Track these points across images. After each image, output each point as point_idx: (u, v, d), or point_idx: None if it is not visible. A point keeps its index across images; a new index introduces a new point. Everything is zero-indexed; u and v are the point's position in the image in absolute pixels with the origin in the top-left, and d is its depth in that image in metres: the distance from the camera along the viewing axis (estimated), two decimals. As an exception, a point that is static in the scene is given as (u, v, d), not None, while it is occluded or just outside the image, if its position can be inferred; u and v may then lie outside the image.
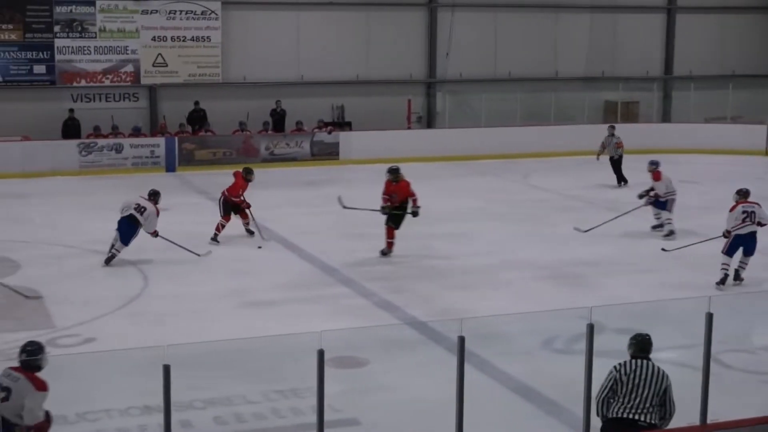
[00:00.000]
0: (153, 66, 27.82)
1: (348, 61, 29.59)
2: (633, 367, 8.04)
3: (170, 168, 26.37)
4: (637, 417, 7.94)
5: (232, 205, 18.32)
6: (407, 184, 17.24)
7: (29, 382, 7.91)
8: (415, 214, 17.12)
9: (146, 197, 16.75)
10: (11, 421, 7.94)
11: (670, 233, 18.62)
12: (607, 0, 32.23)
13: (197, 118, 27.90)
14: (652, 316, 12.95)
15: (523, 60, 31.15)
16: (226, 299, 14.49)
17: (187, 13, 27.87)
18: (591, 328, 7.78)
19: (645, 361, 8.11)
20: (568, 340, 12.41)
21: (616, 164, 24.88)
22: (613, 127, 25.39)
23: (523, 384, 11.25)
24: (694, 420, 8.09)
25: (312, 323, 12.40)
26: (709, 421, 8.02)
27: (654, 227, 19.14)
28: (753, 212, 15.23)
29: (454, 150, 28.14)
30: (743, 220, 15.19)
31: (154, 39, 27.76)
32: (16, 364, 7.98)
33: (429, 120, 30.69)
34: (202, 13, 27.95)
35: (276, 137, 27.75)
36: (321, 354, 7.12)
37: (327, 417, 7.40)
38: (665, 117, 32.88)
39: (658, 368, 8.10)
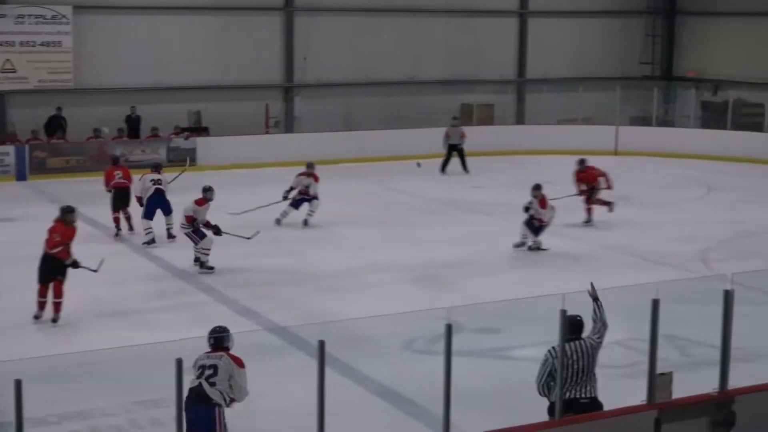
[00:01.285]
0: (1, 72, 27.01)
1: (204, 66, 29.28)
2: (572, 349, 8.45)
3: (21, 177, 25.63)
4: (591, 395, 8.54)
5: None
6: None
7: (231, 360, 8.68)
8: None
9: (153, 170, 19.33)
10: (213, 401, 8.47)
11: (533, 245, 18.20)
12: (463, 4, 32.65)
13: (57, 125, 27.17)
14: (510, 314, 13.21)
15: (382, 64, 31.34)
16: (83, 309, 14.15)
17: (36, 17, 27.12)
18: (449, 328, 7.85)
19: (580, 342, 8.55)
20: (428, 341, 12.53)
21: (461, 153, 26.65)
22: (456, 118, 27.61)
23: (384, 386, 11.31)
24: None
25: (172, 332, 12.23)
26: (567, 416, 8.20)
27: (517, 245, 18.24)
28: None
29: (314, 154, 27.92)
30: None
31: (1, 44, 26.94)
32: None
33: (287, 124, 30.60)
34: (53, 17, 27.24)
35: (131, 144, 27.25)
36: (179, 363, 7.01)
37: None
38: (519, 119, 33.52)
39: (589, 343, 8.58)
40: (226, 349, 8.83)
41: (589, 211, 20.40)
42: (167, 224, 18.70)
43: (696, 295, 13.87)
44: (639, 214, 21.70)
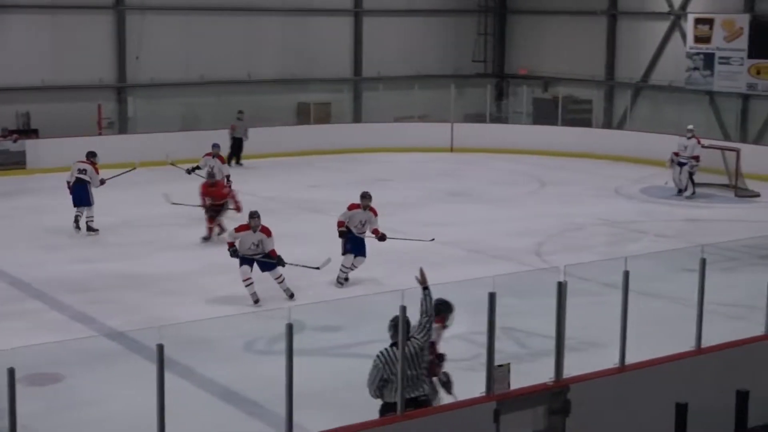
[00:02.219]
0: None
1: (33, 66, 28.37)
2: (390, 353, 8.46)
3: None
4: (415, 394, 8.50)
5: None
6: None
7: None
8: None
9: (84, 160, 19.20)
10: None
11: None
12: (298, 3, 32.59)
13: None
14: (352, 312, 13.27)
15: (218, 63, 31.00)
16: None
17: None
18: (290, 328, 7.83)
19: (408, 342, 8.51)
20: (269, 341, 12.48)
21: (240, 145, 27.85)
22: (241, 112, 28.44)
23: (226, 388, 11.22)
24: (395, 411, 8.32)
25: (2, 341, 11.83)
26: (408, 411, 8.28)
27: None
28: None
29: (150, 155, 27.59)
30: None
31: None
32: None
33: (121, 125, 29.96)
34: None
35: (-44, 147, 26.24)
36: (11, 372, 6.78)
37: (21, 438, 7.06)
38: (356, 117, 33.69)
39: (417, 343, 8.58)
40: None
41: (210, 229, 18.93)
42: (87, 216, 18.83)
43: (531, 288, 14.17)
44: (475, 210, 22.12)
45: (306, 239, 18.89)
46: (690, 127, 24.92)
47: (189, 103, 29.97)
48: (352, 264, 15.97)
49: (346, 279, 15.91)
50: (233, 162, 27.11)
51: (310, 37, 32.76)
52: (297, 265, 15.03)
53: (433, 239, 16.35)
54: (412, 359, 8.51)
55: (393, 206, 22.03)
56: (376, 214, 16.21)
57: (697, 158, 24.15)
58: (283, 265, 14.78)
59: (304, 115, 31.89)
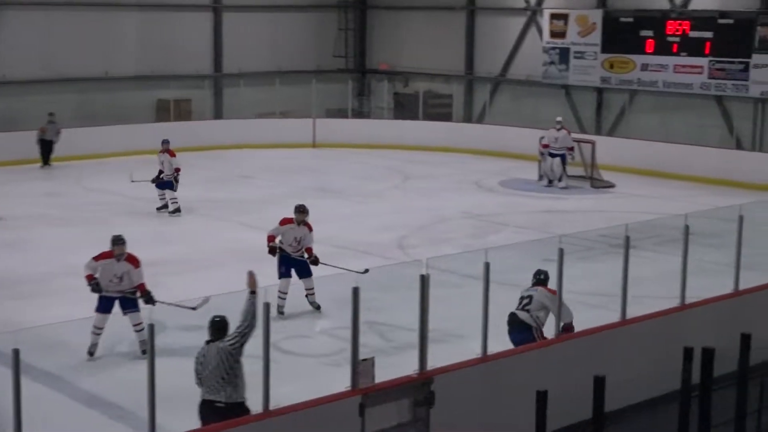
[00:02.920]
0: None
1: None
2: (204, 352, 8.54)
3: None
4: (212, 398, 8.47)
5: None
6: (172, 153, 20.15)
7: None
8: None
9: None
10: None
11: (176, 210, 20.60)
12: (156, -1, 32.17)
13: None
14: (214, 310, 13.11)
15: (74, 59, 30.27)
16: None
17: None
18: (152, 328, 7.74)
19: (214, 344, 8.56)
20: (131, 343, 12.29)
21: (50, 148, 27.14)
22: (52, 114, 27.46)
23: (87, 392, 11.00)
24: (258, 408, 8.29)
25: None
26: (271, 408, 8.24)
27: (159, 208, 20.85)
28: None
29: (5, 155, 26.88)
30: None
31: None
32: None
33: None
34: None
35: None
36: None
37: None
38: (218, 114, 33.37)
39: (219, 347, 8.54)
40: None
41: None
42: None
43: (395, 282, 14.32)
44: (338, 205, 22.17)
45: (168, 240, 18.67)
46: (559, 119, 25.56)
47: (46, 100, 29.18)
48: (305, 289, 14.12)
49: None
50: (41, 164, 26.87)
51: (170, 33, 32.29)
52: (171, 304, 12.11)
53: (366, 270, 14.23)
54: (218, 362, 8.51)
55: (256, 203, 22.00)
56: (311, 230, 14.26)
57: (571, 149, 24.78)
58: (153, 304, 12.10)
59: (163, 112, 31.43)
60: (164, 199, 20.87)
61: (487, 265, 9.56)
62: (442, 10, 33.98)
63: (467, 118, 33.24)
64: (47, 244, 18.34)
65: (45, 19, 29.94)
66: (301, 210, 14.20)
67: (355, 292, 8.56)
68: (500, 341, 10.04)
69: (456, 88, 33.44)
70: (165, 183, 20.83)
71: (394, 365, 9.51)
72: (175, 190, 20.75)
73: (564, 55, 30.33)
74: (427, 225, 20.15)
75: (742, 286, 12.45)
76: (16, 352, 7.06)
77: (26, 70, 29.45)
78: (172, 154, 20.98)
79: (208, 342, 8.62)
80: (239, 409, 8.50)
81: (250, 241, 18.23)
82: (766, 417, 9.04)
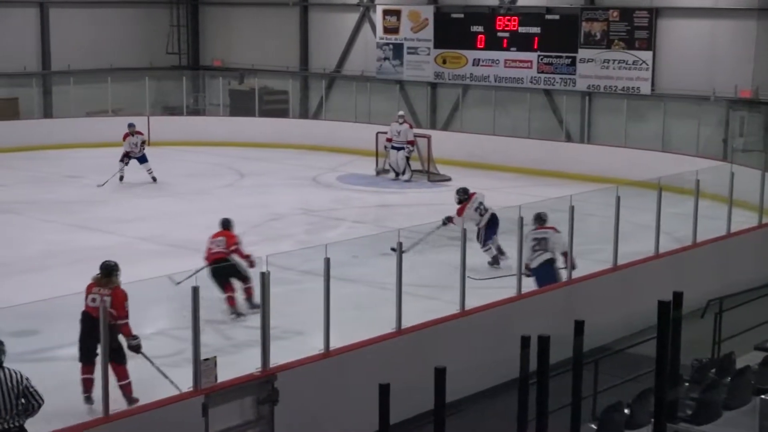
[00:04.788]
0: None
1: None
2: None
3: None
4: (7, 426, 7.86)
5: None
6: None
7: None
8: None
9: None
10: None
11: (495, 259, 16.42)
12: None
13: None
14: (48, 314, 12.78)
15: None
16: None
17: None
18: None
19: (0, 370, 7.91)
20: None
21: None
22: None
23: None
24: (98, 413, 8.12)
25: None
26: (111, 412, 8.09)
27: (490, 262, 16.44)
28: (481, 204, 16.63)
29: None
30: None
31: None
32: None
33: None
34: None
35: None
36: None
37: None
38: (47, 112, 32.44)
39: (11, 371, 7.94)
40: None
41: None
42: None
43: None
44: (172, 204, 21.89)
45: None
46: (401, 113, 25.85)
47: None
48: None
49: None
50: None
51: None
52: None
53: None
54: (8, 387, 7.88)
55: (83, 203, 21.51)
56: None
57: (411, 143, 25.05)
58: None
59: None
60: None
61: (327, 261, 9.59)
62: (275, 6, 33.87)
63: (303, 114, 33.24)
64: None
65: None
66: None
67: (195, 291, 8.48)
68: (343, 336, 10.08)
69: (291, 84, 33.37)
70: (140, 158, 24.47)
71: (236, 364, 9.46)
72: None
73: (398, 50, 30.66)
74: (264, 222, 20.03)
75: (574, 275, 12.86)
76: None
77: None
78: (141, 134, 24.95)
79: None
80: None
81: (75, 242, 17.83)
82: (600, 400, 9.34)
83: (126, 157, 24.36)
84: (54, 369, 11.37)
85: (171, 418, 8.35)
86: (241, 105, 32.84)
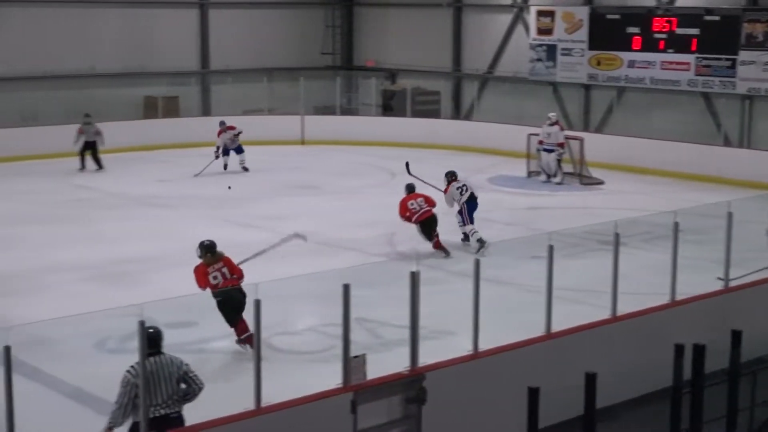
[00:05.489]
0: None
1: None
2: (149, 367, 8.11)
3: None
4: (167, 412, 8.17)
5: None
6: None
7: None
8: None
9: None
10: None
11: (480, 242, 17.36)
12: (141, -5, 32.08)
13: None
14: (203, 307, 13.11)
15: (58, 56, 30.18)
16: None
17: None
18: (142, 325, 7.71)
19: (159, 357, 8.24)
20: (120, 340, 12.25)
21: (95, 150, 26.30)
22: (89, 116, 26.64)
23: (77, 388, 10.96)
24: (250, 405, 8.27)
25: None
26: (263, 405, 8.23)
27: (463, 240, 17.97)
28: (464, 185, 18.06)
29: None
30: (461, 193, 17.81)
31: None
32: None
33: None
34: None
35: None
36: None
37: None
38: (206, 111, 33.30)
39: (171, 358, 8.31)
40: None
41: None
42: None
43: (382, 278, 14.31)
44: (324, 202, 22.16)
45: (150, 234, 18.63)
46: (552, 115, 25.58)
47: (29, 97, 29.08)
48: None
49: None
50: (95, 167, 26.08)
51: (156, 29, 32.23)
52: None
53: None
54: (169, 373, 8.24)
55: (237, 200, 21.96)
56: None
57: (562, 145, 24.81)
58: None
59: (151, 109, 31.35)
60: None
61: (477, 262, 9.56)
62: (428, 6, 33.96)
63: (454, 115, 33.23)
64: (30, 240, 18.27)
65: (27, 17, 29.83)
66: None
67: (346, 288, 8.55)
68: (490, 338, 10.03)
69: (443, 85, 33.41)
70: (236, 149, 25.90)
71: (384, 362, 9.50)
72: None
73: (551, 51, 30.35)
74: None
75: (732, 284, 12.50)
76: (7, 349, 7.02)
77: (9, 66, 29.34)
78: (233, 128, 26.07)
79: (150, 355, 8.15)
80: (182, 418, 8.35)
81: (228, 237, 18.18)
82: (757, 413, 9.06)
83: (220, 150, 25.73)
84: (208, 361, 11.65)
85: (320, 413, 8.45)
86: (393, 105, 33.02)
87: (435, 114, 32.88)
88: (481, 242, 17.15)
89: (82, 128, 26.41)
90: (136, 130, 29.15)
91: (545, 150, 24.90)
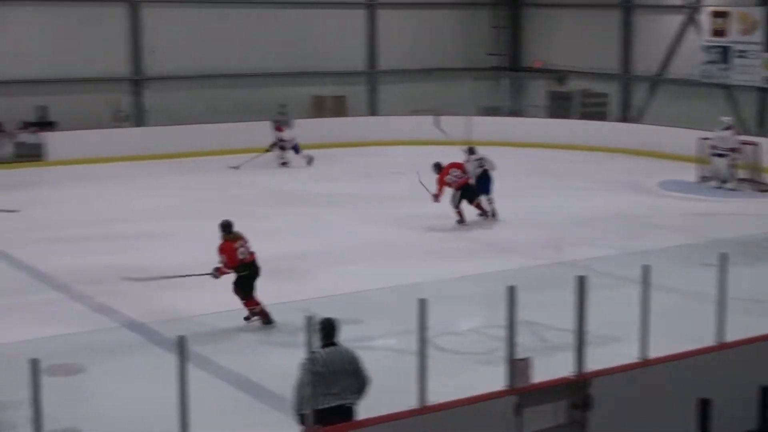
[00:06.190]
0: None
1: (49, 59, 28.42)
2: (328, 356, 8.31)
3: None
4: (343, 402, 8.34)
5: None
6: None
7: None
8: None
9: None
10: None
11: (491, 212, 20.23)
12: (309, -5, 32.68)
13: None
14: (369, 304, 13.28)
15: (231, 56, 30.99)
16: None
17: None
18: (309, 320, 7.83)
19: (336, 348, 8.43)
20: (288, 333, 12.49)
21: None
22: (284, 106, 28.96)
23: (247, 379, 11.24)
24: (414, 403, 8.31)
25: (24, 331, 11.89)
26: (427, 404, 8.26)
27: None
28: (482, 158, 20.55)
29: (164, 148, 27.70)
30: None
31: None
32: None
33: (138, 118, 30.02)
34: None
35: (-24, 139, 26.37)
36: (35, 363, 6.79)
37: (46, 427, 7.07)
38: (372, 110, 33.66)
39: (346, 349, 8.49)
40: None
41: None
42: None
43: (547, 281, 14.20)
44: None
45: (316, 231, 18.92)
46: (725, 118, 24.91)
47: (204, 96, 29.97)
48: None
49: None
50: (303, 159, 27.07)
51: (325, 30, 32.73)
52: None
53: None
54: (346, 363, 8.43)
55: (401, 199, 22.10)
56: None
57: (736, 150, 24.17)
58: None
59: (319, 108, 31.88)
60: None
61: (646, 268, 9.38)
62: (597, 7, 33.47)
63: (623, 118, 32.65)
64: (195, 234, 18.78)
65: (201, 17, 30.74)
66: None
67: (511, 290, 8.51)
68: (658, 347, 9.81)
69: (612, 87, 32.89)
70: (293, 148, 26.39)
71: (549, 366, 9.41)
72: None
73: (725, 54, 29.51)
74: (581, 225, 19.86)
75: None
76: (182, 339, 7.23)
77: (184, 66, 30.31)
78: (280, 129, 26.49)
79: (325, 346, 8.40)
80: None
81: (391, 236, 18.39)
82: None
83: (275, 146, 26.38)
84: (373, 358, 11.76)
85: (484, 415, 8.42)
86: (559, 107, 32.71)
87: (602, 116, 32.39)
88: (491, 213, 20.04)
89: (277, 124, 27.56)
90: (304, 128, 29.66)
91: (718, 155, 24.24)
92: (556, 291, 13.81)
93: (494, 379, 8.76)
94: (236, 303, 13.59)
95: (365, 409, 8.38)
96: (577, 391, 8.81)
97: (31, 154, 26.66)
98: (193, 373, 7.43)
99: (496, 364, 9.38)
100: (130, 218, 19.74)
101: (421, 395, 8.28)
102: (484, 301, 13.65)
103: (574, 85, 32.95)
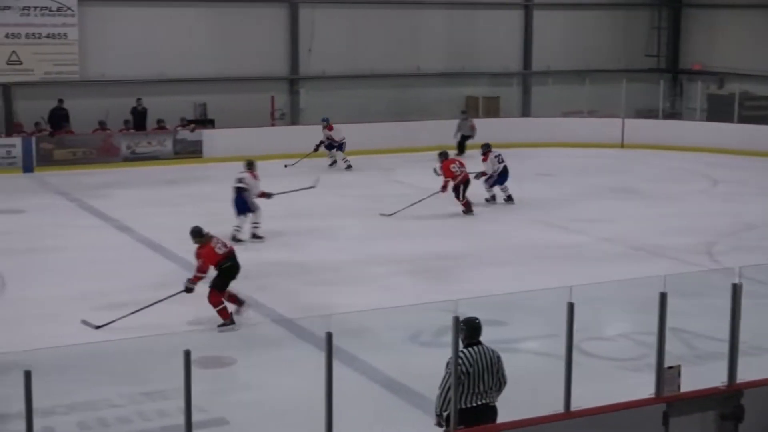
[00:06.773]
0: (7, 64, 26.99)
1: (209, 58, 29.24)
2: (473, 356, 8.29)
3: (27, 169, 25.60)
4: (486, 401, 8.31)
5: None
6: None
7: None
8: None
9: (243, 169, 18.34)
10: None
11: (509, 198, 21.70)
12: (467, -3, 32.68)
13: (60, 117, 27.14)
14: (514, 306, 13.22)
15: (385, 56, 31.29)
16: (90, 300, 14.13)
17: (41, 9, 27.07)
18: (457, 320, 7.85)
19: (480, 347, 8.38)
20: (434, 333, 12.53)
21: (464, 141, 28.98)
22: (464, 112, 30.22)
23: (391, 378, 11.32)
24: (558, 408, 8.25)
25: (177, 324, 12.25)
26: (572, 409, 8.19)
27: (487, 200, 21.76)
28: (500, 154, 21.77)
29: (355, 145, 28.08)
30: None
31: (7, 36, 26.92)
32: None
33: (293, 116, 30.57)
34: (58, 9, 27.21)
35: (137, 136, 27.25)
36: (187, 354, 7.01)
37: (195, 418, 7.29)
38: (525, 111, 33.47)
39: (489, 349, 8.43)
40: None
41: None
42: (252, 223, 18.25)
43: (699, 288, 13.90)
44: (642, 207, 21.71)
45: (464, 232, 18.90)
46: None
47: (358, 95, 30.31)
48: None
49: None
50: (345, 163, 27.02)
51: (479, 30, 32.72)
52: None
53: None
54: (491, 364, 8.37)
55: (551, 201, 21.89)
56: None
57: None
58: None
59: (472, 109, 31.87)
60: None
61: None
62: (760, 8, 32.49)
63: (784, 122, 31.61)
64: (352, 232, 19.01)
65: (357, 17, 31.12)
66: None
67: (662, 297, 8.35)
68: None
69: (773, 90, 31.91)
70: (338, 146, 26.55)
71: (699, 375, 9.21)
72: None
73: None
74: (735, 232, 19.31)
75: None
76: (329, 336, 7.35)
77: (339, 66, 30.70)
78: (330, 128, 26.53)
79: (470, 345, 8.35)
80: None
81: (541, 238, 18.23)
82: None
83: (323, 145, 26.57)
84: (515, 361, 11.71)
85: (630, 422, 8.30)
86: (718, 110, 31.85)
87: (764, 120, 31.39)
88: (509, 199, 21.53)
89: (460, 124, 28.78)
90: (450, 129, 29.71)
91: None
92: (707, 298, 13.53)
93: (641, 386, 8.63)
94: (384, 302, 13.73)
95: (509, 411, 8.35)
96: (727, 402, 8.60)
97: (190, 151, 27.43)
98: (338, 368, 7.55)
99: (643, 371, 9.23)
100: (294, 214, 20.05)
101: (566, 399, 8.22)
102: (634, 306, 13.42)
103: (734, 87, 32.03)
